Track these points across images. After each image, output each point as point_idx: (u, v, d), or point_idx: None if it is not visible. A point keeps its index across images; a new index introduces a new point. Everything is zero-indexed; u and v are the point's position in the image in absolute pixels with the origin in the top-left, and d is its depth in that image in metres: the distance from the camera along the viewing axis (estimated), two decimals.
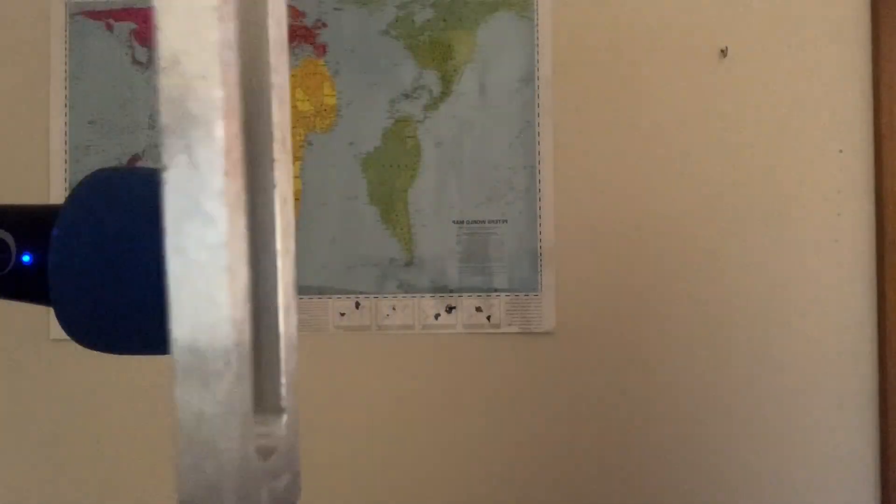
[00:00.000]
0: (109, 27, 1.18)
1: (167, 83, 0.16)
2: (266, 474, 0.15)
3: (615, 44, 1.14)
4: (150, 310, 0.32)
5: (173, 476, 0.16)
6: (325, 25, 1.16)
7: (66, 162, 1.17)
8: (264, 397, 0.15)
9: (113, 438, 1.17)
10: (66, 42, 1.18)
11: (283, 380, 0.16)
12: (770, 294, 1.12)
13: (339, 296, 1.15)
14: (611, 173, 1.14)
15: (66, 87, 1.18)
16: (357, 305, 1.15)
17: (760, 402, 1.12)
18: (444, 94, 1.15)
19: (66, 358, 1.16)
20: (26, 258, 0.32)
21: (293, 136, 1.16)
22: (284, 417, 0.15)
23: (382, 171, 1.15)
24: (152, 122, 1.17)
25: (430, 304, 1.14)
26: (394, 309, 1.15)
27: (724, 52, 1.13)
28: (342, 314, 1.15)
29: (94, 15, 1.18)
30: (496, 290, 1.14)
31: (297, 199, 1.16)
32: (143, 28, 1.18)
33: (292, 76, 1.17)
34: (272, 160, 0.17)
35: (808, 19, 1.13)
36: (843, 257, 1.12)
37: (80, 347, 0.33)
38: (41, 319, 1.16)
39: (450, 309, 1.14)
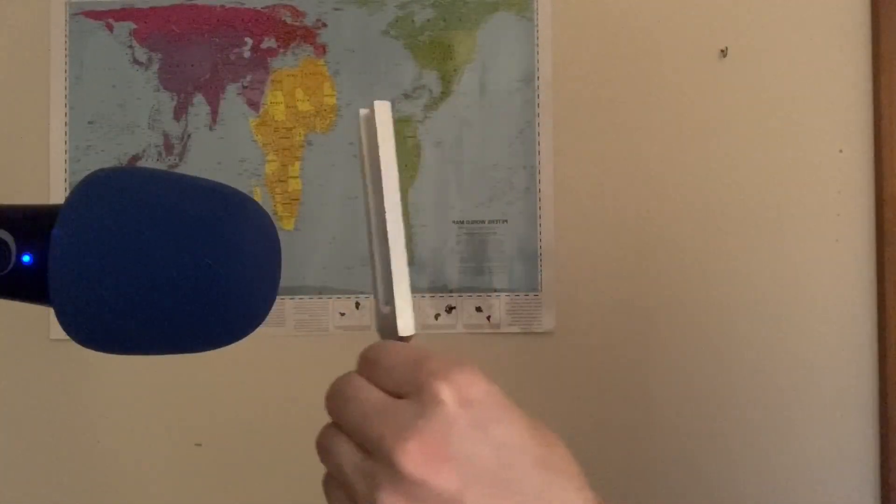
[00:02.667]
0: (109, 27, 1.18)
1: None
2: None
3: (615, 44, 1.14)
4: (150, 309, 0.32)
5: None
6: (325, 25, 1.16)
7: (66, 162, 1.17)
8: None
9: (113, 438, 1.17)
10: (66, 42, 1.18)
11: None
12: (770, 294, 1.12)
13: (339, 296, 1.15)
14: (611, 173, 1.14)
15: (66, 87, 1.18)
16: (357, 305, 1.15)
17: (760, 401, 1.12)
18: (444, 94, 1.15)
19: (66, 358, 1.16)
20: (26, 258, 0.32)
21: (293, 136, 1.16)
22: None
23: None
24: (152, 122, 1.17)
25: (430, 305, 1.14)
26: None
27: (724, 52, 1.13)
28: (342, 314, 1.15)
29: (94, 15, 1.18)
30: (496, 290, 1.14)
31: (296, 200, 1.16)
32: (143, 28, 1.18)
33: (292, 76, 1.17)
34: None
35: (808, 19, 1.13)
36: (843, 257, 1.12)
37: (80, 347, 0.33)
38: (41, 319, 1.16)
39: (450, 309, 1.14)
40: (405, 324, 0.35)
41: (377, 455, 0.30)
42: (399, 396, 0.31)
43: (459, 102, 1.15)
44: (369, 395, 0.31)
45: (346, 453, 0.31)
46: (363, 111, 0.36)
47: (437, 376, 0.31)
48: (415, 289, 1.20)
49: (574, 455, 0.34)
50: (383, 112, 0.35)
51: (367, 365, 0.33)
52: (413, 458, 0.28)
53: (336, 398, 0.32)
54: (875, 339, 1.11)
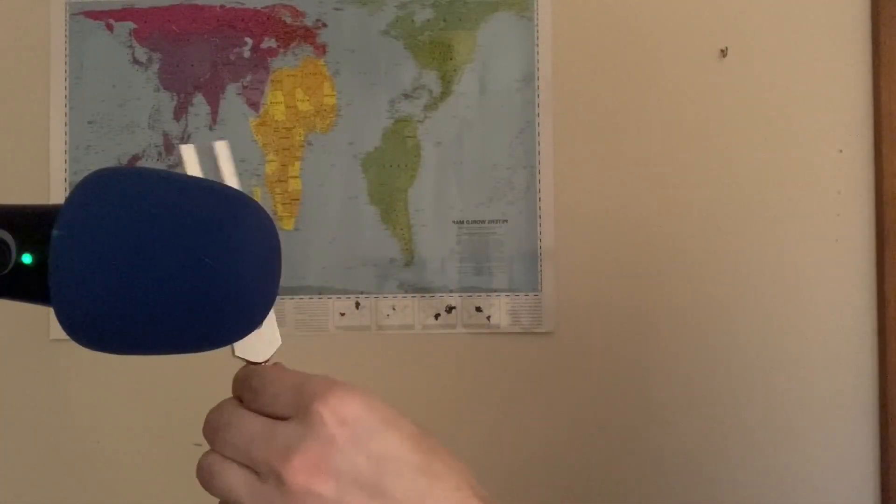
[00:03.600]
0: (109, 27, 1.18)
1: None
2: None
3: (615, 44, 1.14)
4: (150, 310, 0.32)
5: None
6: (325, 25, 1.16)
7: (66, 162, 1.17)
8: None
9: (113, 438, 1.17)
10: (66, 42, 1.18)
11: None
12: (770, 294, 1.12)
13: (339, 296, 1.15)
14: (611, 173, 1.14)
15: (66, 87, 1.18)
16: (357, 305, 1.15)
17: (760, 401, 1.12)
18: (444, 94, 1.15)
19: (66, 358, 1.16)
20: (26, 258, 0.32)
21: (293, 136, 1.16)
22: None
23: (382, 171, 1.15)
24: (152, 123, 1.17)
25: (430, 304, 1.14)
26: (394, 309, 1.15)
27: (724, 52, 1.13)
28: (342, 314, 1.15)
29: (94, 15, 1.18)
30: (496, 290, 1.14)
31: (296, 200, 1.16)
32: (143, 28, 1.18)
33: (292, 76, 1.17)
34: None
35: (808, 19, 1.13)
36: (843, 257, 1.12)
37: (80, 347, 0.33)
38: (41, 319, 1.16)
39: (450, 309, 1.14)
40: (262, 350, 0.37)
41: (265, 476, 0.33)
42: (281, 419, 0.34)
43: (459, 102, 1.15)
44: (253, 420, 0.34)
45: (237, 478, 0.34)
46: (184, 146, 0.37)
47: (315, 398, 0.34)
48: (415, 289, 1.20)
49: (460, 458, 0.36)
50: (224, 151, 0.37)
51: (250, 392, 0.35)
52: (297, 472, 0.32)
53: (217, 427, 0.35)
54: (875, 339, 1.11)
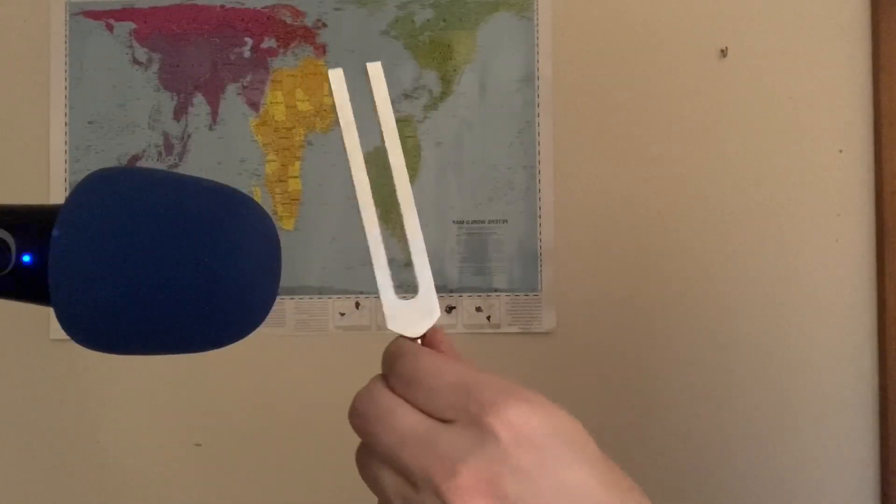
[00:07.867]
0: (109, 27, 1.18)
1: None
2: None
3: (615, 44, 1.14)
4: (150, 309, 0.32)
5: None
6: (325, 25, 1.16)
7: (66, 162, 1.17)
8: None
9: (113, 438, 1.17)
10: (66, 42, 1.18)
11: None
12: (770, 294, 1.12)
13: (339, 296, 1.15)
14: (611, 173, 1.14)
15: (66, 87, 1.18)
16: (357, 305, 1.15)
17: (760, 401, 1.12)
18: (444, 94, 1.15)
19: (66, 358, 1.16)
20: (26, 258, 0.32)
21: (293, 136, 1.16)
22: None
23: (382, 171, 1.15)
24: (152, 123, 1.17)
25: None
26: None
27: (724, 52, 1.13)
28: (342, 314, 1.15)
29: (94, 15, 1.18)
30: (496, 290, 1.14)
31: (296, 200, 1.16)
32: (143, 28, 1.18)
33: (292, 76, 1.17)
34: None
35: (808, 19, 1.13)
36: (843, 257, 1.12)
37: (80, 347, 0.33)
38: (41, 319, 1.16)
39: (450, 309, 1.14)
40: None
41: (421, 487, 0.28)
42: (441, 420, 0.29)
43: (459, 102, 1.15)
44: (407, 417, 0.29)
45: (390, 486, 0.29)
46: (332, 71, 0.34)
47: (489, 409, 0.28)
48: (415, 289, 1.20)
49: (643, 490, 0.32)
50: (377, 73, 0.33)
51: (403, 383, 0.31)
52: (461, 491, 0.27)
53: (365, 418, 0.30)
54: (875, 339, 1.11)
